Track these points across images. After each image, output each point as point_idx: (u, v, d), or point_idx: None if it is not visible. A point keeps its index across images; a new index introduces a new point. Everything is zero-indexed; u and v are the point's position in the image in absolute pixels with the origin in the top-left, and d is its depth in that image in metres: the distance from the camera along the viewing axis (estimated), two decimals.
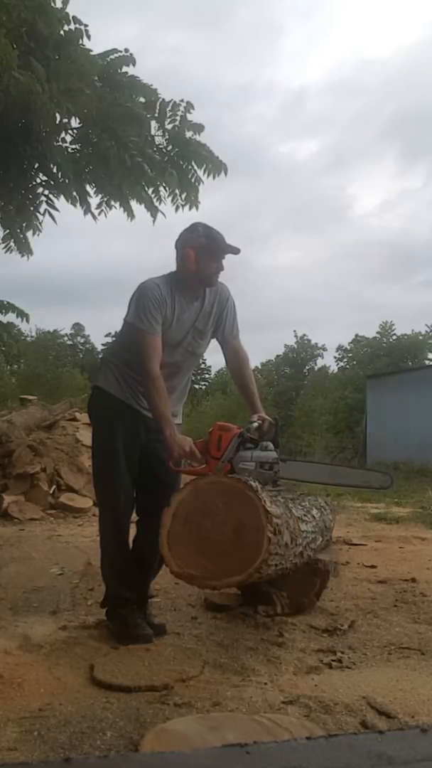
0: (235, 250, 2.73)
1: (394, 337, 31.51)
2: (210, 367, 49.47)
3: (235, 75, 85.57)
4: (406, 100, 78.64)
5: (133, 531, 2.81)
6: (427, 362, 27.49)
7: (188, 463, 2.68)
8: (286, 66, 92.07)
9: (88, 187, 5.17)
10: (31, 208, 5.29)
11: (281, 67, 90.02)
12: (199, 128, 5.12)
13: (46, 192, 5.24)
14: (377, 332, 32.55)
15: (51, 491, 6.54)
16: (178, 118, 5.10)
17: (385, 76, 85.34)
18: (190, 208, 5.33)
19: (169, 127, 5.16)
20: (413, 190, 70.63)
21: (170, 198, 5.28)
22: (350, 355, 33.81)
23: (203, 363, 49.50)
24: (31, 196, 5.28)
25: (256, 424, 2.66)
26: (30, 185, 5.23)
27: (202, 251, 2.67)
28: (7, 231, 5.54)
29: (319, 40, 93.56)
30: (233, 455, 2.59)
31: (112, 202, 5.28)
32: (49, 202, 5.23)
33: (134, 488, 2.75)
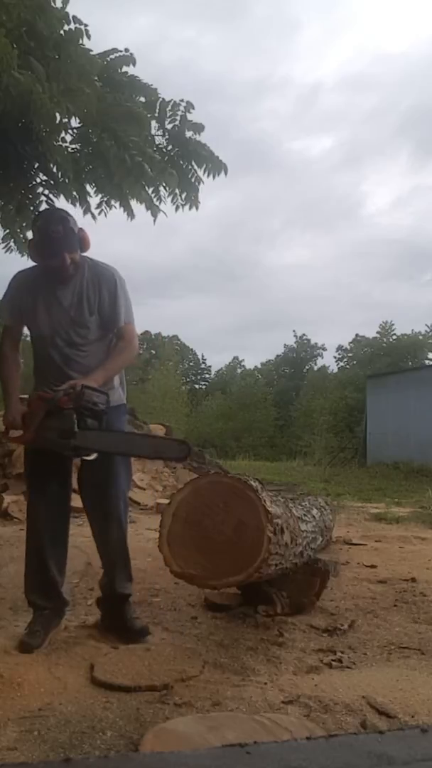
0: (41, 260, 2.63)
1: (394, 337, 31.60)
2: (210, 367, 49.51)
3: (249, 69, 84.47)
4: (422, 96, 78.36)
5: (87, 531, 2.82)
6: (427, 362, 27.60)
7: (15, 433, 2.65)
8: (301, 60, 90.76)
9: (88, 187, 5.16)
10: (31, 208, 5.29)
11: (296, 61, 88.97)
12: (199, 128, 5.12)
13: (46, 192, 5.24)
14: (377, 332, 32.67)
15: None
16: (178, 117, 5.10)
17: (401, 71, 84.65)
18: (190, 208, 5.33)
19: (169, 126, 5.16)
20: (426, 188, 70.69)
21: (170, 198, 5.28)
22: (350, 355, 33.89)
23: (203, 363, 49.51)
24: (31, 196, 5.27)
25: (61, 393, 2.48)
26: (30, 185, 5.22)
27: (33, 243, 2.68)
28: (7, 231, 5.53)
29: (336, 35, 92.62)
30: (38, 424, 2.51)
31: (112, 202, 5.28)
32: (49, 202, 5.23)
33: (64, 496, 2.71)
